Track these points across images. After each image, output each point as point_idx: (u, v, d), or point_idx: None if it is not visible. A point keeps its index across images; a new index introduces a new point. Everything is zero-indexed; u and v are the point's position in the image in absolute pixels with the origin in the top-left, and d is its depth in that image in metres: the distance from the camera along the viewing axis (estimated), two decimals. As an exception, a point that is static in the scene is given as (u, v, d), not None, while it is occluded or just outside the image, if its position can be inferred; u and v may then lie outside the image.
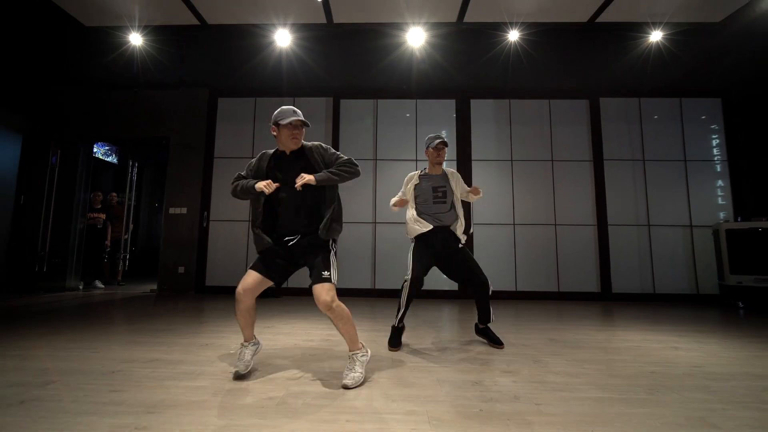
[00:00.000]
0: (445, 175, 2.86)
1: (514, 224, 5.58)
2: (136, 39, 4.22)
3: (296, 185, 1.99)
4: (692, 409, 1.65)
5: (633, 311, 4.41)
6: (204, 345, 2.64)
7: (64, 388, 1.81)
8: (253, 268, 2.06)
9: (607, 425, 1.49)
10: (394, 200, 2.81)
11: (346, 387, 1.86)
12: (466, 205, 5.11)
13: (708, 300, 5.29)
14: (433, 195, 2.77)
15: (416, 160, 5.73)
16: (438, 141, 2.79)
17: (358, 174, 2.13)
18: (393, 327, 2.72)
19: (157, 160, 9.00)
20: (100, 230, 6.28)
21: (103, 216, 6.37)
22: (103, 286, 6.18)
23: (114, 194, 6.85)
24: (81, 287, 5.92)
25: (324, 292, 1.91)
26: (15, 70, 5.33)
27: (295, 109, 2.13)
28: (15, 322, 3.34)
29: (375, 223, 5.61)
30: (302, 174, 2.01)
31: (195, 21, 4.07)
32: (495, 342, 2.72)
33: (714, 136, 5.66)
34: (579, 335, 3.11)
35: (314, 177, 2.01)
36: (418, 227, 2.70)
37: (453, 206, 2.79)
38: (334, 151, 2.18)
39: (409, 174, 2.92)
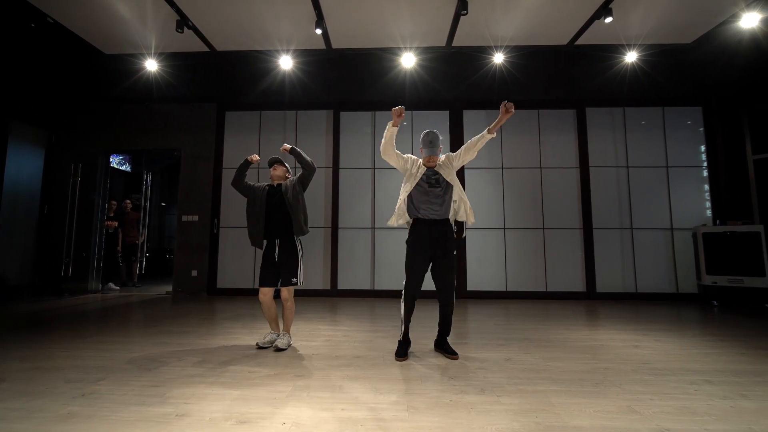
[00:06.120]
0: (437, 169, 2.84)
1: (504, 228, 5.94)
2: (151, 65, 4.61)
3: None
4: (624, 400, 2.02)
5: (615, 311, 4.76)
6: (222, 346, 3.04)
7: (113, 383, 2.21)
8: None
9: (549, 412, 1.87)
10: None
11: (278, 348, 2.89)
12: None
13: (687, 298, 5.64)
14: (427, 183, 2.78)
15: (412, 169, 6.08)
16: (427, 154, 2.77)
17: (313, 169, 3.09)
18: (399, 341, 2.85)
19: (162, 167, 9.43)
20: (112, 236, 6.69)
21: (114, 224, 6.77)
22: (117, 288, 6.61)
23: (128, 201, 7.27)
24: (101, 289, 6.36)
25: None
26: (39, 91, 5.73)
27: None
28: (52, 324, 3.76)
29: (374, 228, 5.98)
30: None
31: (205, 48, 4.42)
32: (451, 353, 2.77)
33: (695, 144, 5.97)
34: (552, 335, 3.48)
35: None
36: (408, 216, 2.80)
37: (448, 194, 2.78)
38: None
39: (413, 157, 2.92)
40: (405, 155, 2.91)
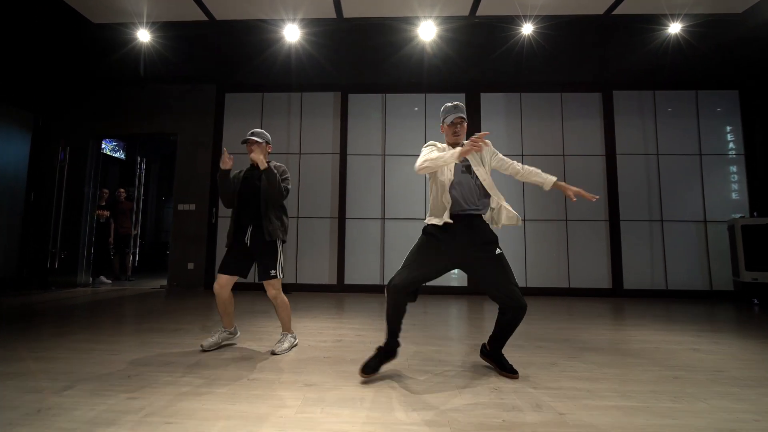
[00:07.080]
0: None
1: (524, 220, 5.51)
2: (143, 35, 4.17)
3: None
4: (722, 420, 1.61)
5: (646, 308, 4.35)
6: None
7: (81, 394, 1.80)
8: None
9: (635, 438, 1.46)
10: (432, 157, 2.06)
11: (273, 353, 2.46)
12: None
13: (722, 296, 5.22)
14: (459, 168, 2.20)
15: (425, 155, 5.66)
16: (454, 116, 2.19)
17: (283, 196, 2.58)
18: (378, 346, 2.16)
19: (163, 154, 9.00)
20: (103, 226, 6.28)
21: (106, 213, 6.36)
22: (109, 281, 6.21)
23: (122, 190, 6.86)
24: (91, 282, 5.95)
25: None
26: (24, 69, 5.30)
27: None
28: (31, 321, 3.35)
29: (384, 219, 5.56)
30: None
31: (203, 17, 3.99)
32: (510, 372, 2.12)
33: (730, 130, 5.53)
34: (594, 335, 3.06)
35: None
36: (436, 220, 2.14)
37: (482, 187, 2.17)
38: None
39: (433, 142, 2.25)
40: (434, 154, 2.11)
